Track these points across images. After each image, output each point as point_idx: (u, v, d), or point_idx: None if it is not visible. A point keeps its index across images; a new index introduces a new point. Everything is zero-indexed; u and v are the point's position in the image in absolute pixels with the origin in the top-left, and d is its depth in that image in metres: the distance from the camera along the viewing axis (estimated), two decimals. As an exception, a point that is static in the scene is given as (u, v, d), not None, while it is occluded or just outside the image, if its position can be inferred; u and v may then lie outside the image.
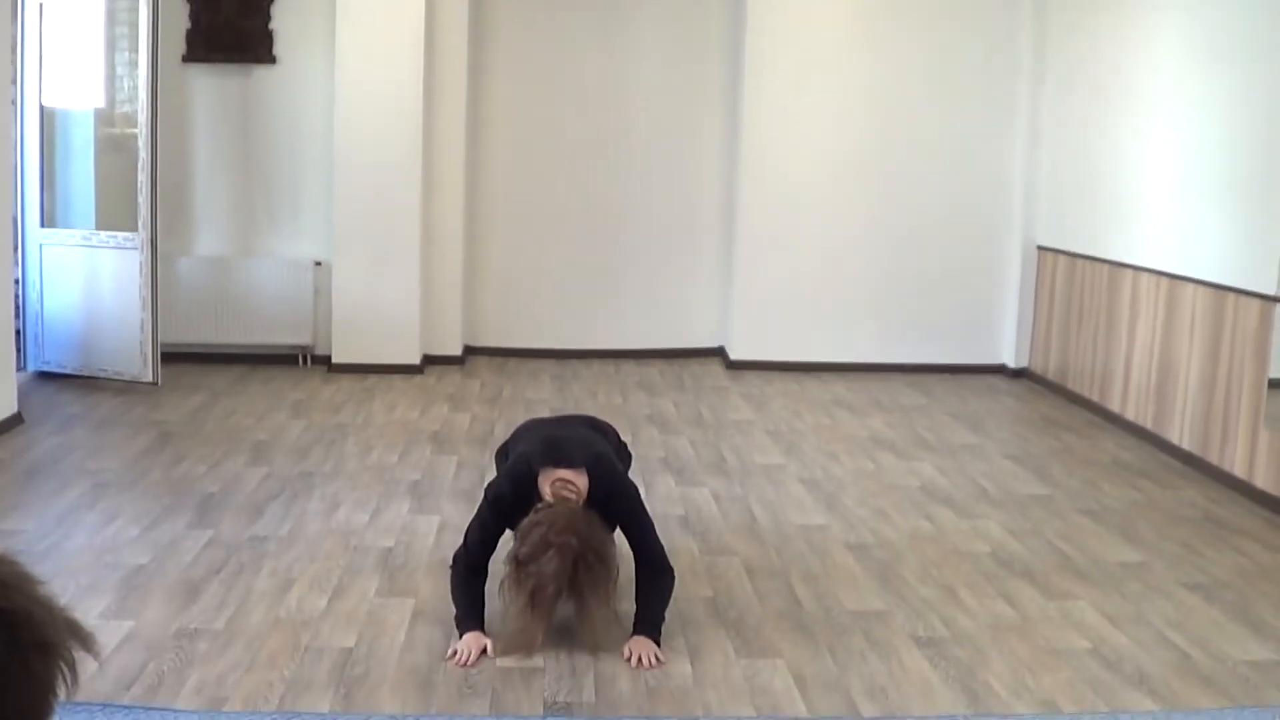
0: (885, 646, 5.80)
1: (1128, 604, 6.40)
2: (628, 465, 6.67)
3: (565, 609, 5.75)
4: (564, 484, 5.85)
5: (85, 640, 1.87)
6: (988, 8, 12.18)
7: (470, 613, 5.79)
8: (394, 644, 5.67)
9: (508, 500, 5.93)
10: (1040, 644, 5.87)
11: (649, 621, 5.78)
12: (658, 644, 5.68)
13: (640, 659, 5.56)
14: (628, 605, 5.87)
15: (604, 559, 5.65)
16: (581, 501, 5.84)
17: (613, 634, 5.73)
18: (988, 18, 12.19)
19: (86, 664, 1.86)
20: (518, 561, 5.62)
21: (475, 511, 6.17)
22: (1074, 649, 5.82)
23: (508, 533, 5.99)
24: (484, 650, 5.59)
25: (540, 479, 5.89)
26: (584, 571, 5.57)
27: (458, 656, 5.54)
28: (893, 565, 6.91)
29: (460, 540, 6.12)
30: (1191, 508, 8.18)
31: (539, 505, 5.79)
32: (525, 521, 5.73)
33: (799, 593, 6.46)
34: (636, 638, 5.69)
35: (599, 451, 6.12)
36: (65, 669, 1.83)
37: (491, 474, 8.18)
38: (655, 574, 5.96)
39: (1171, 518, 7.95)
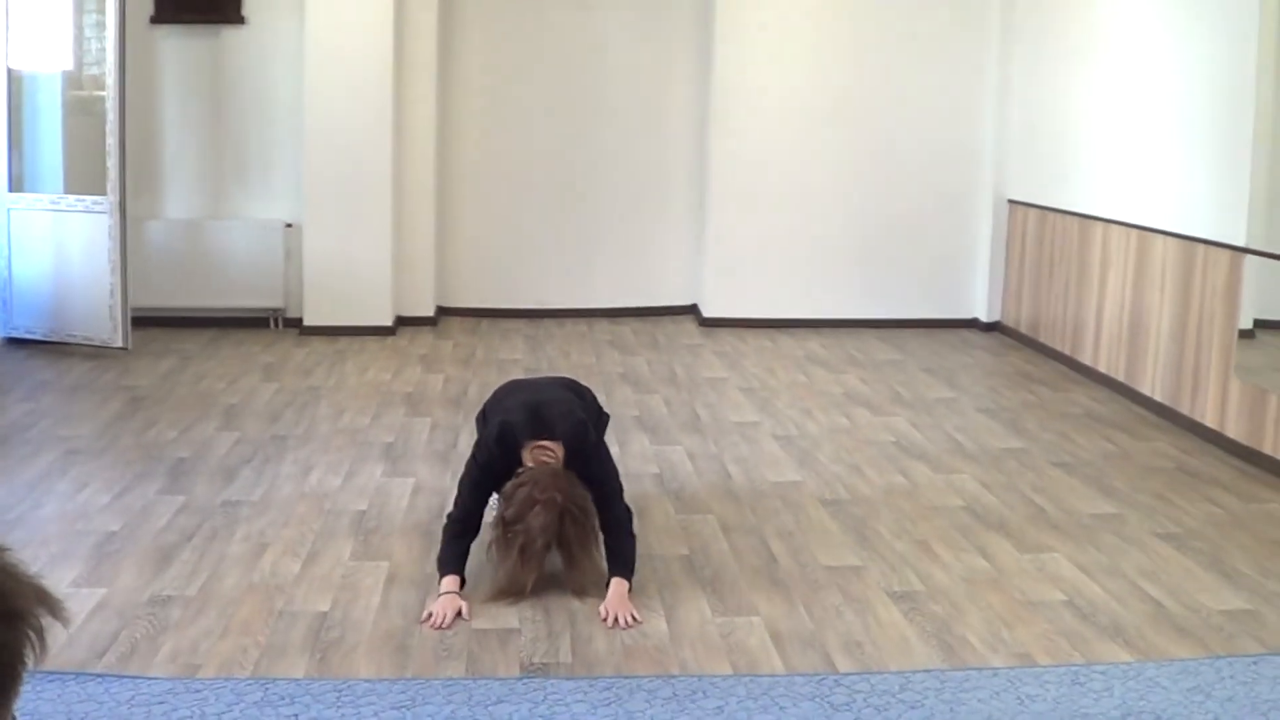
0: (861, 602, 5.81)
1: (1102, 555, 6.41)
2: (604, 427, 6.75)
3: (551, 563, 5.78)
4: (544, 450, 5.98)
5: (54, 607, 1.86)
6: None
7: (451, 563, 5.86)
8: (369, 608, 5.66)
9: (497, 463, 6.05)
10: (1015, 597, 5.88)
11: (621, 576, 5.86)
12: (629, 597, 5.76)
13: (616, 619, 5.58)
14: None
15: (586, 512, 5.86)
16: (560, 464, 5.96)
17: (597, 578, 5.84)
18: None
19: (56, 632, 1.85)
20: (505, 522, 5.78)
21: (464, 472, 6.26)
22: (1049, 601, 5.83)
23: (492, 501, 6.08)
24: (459, 613, 5.61)
25: (523, 450, 6.00)
26: (570, 524, 5.76)
27: (432, 619, 5.55)
28: (868, 521, 6.91)
29: (445, 505, 6.18)
30: (1164, 459, 8.20)
31: (520, 470, 5.93)
32: (509, 485, 5.89)
33: (774, 549, 6.47)
34: (612, 596, 5.74)
35: (578, 419, 6.18)
36: (34, 637, 1.82)
37: (466, 436, 8.21)
38: (621, 536, 6.04)
39: (1144, 469, 7.96)
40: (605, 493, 6.10)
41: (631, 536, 6.06)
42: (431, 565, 6.04)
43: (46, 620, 1.84)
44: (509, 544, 5.75)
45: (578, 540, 5.80)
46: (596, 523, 5.93)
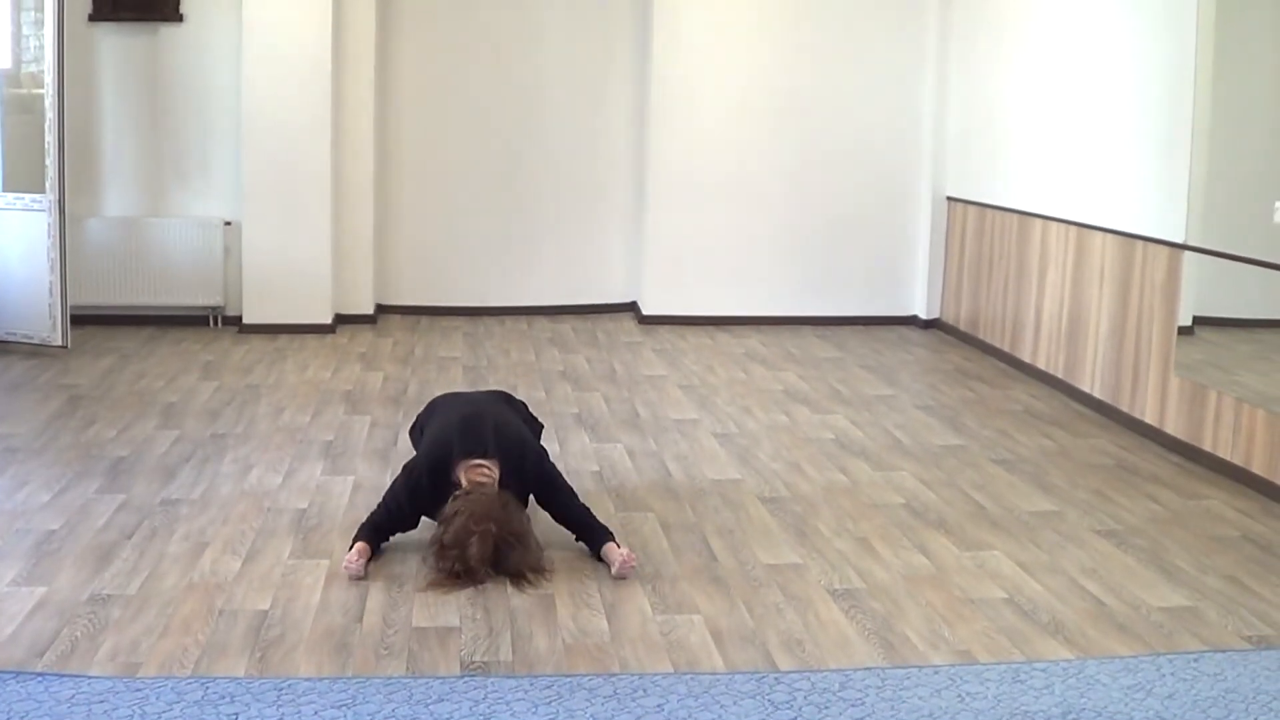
0: (801, 600, 5.82)
1: (1042, 553, 6.44)
2: (538, 436, 6.91)
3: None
4: (478, 469, 6.13)
5: None
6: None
7: (367, 536, 6.18)
8: (309, 606, 5.64)
9: (424, 489, 6.21)
10: (955, 594, 5.90)
11: (607, 541, 6.20)
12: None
13: (621, 561, 6.04)
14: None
15: (523, 538, 6.01)
16: (495, 484, 6.11)
17: (546, 587, 5.95)
18: (896, -31, 12.21)
19: None
20: (442, 545, 5.92)
21: (390, 487, 6.42)
22: (989, 599, 5.85)
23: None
24: (369, 556, 6.05)
25: (457, 468, 6.15)
26: (508, 551, 5.91)
27: (346, 562, 5.95)
28: (807, 518, 6.93)
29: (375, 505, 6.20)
30: (1103, 455, 8.24)
31: (456, 493, 6.07)
32: (446, 509, 6.04)
33: (714, 547, 6.47)
34: (613, 554, 6.11)
35: (514, 434, 6.40)
36: None
37: (405, 435, 8.19)
38: (590, 528, 6.30)
39: (1084, 466, 8.00)
40: (559, 501, 6.36)
41: (597, 523, 6.29)
42: (372, 564, 6.05)
43: None
44: (447, 565, 5.89)
45: (520, 562, 5.94)
46: (534, 544, 6.06)
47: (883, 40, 12.25)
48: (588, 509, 6.39)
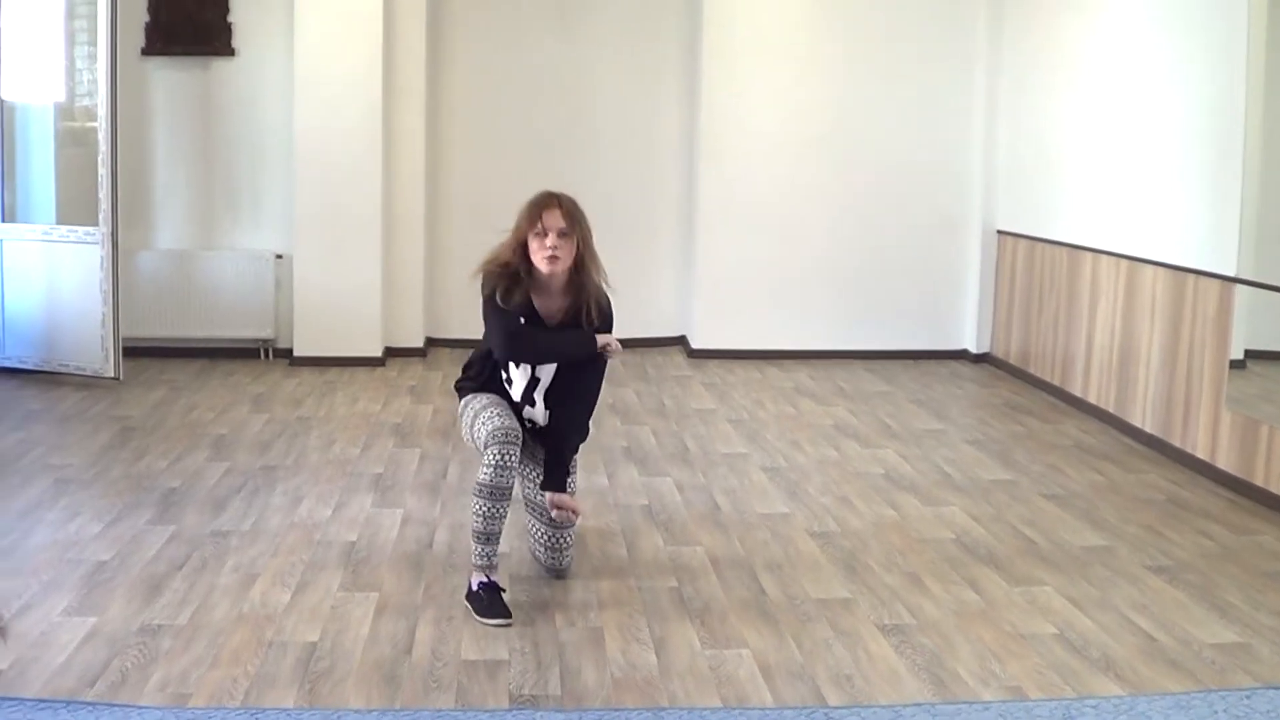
0: (850, 635, 5.80)
1: (1092, 588, 6.40)
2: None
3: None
4: (548, 235, 6.20)
5: None
6: (946, -7, 12.20)
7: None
8: (358, 638, 5.65)
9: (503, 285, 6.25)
10: (1006, 630, 5.87)
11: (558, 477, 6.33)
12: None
13: (558, 508, 6.17)
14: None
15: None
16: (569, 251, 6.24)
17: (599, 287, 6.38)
18: (944, 3, 12.18)
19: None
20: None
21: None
22: (1039, 634, 5.82)
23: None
24: None
25: (530, 241, 6.24)
26: (569, 201, 6.32)
27: None
28: (857, 553, 6.91)
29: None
30: (1155, 490, 8.19)
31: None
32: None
33: (763, 582, 6.46)
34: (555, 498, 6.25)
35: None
36: None
37: (455, 467, 8.24)
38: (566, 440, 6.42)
39: (1135, 501, 7.96)
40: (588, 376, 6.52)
41: (575, 441, 6.47)
42: (421, 597, 6.06)
43: None
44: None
45: (582, 222, 6.30)
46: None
47: (932, 74, 12.24)
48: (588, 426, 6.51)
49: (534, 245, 6.13)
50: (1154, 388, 9.17)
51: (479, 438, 6.12)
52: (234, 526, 7.13)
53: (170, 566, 6.47)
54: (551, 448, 6.33)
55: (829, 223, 12.35)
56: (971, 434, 9.62)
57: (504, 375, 6.37)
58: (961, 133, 12.31)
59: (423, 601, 6.06)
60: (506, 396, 6.35)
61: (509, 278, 6.18)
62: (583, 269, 6.24)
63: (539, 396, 6.34)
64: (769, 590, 6.34)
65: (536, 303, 6.24)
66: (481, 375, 6.43)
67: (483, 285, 6.26)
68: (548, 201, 6.22)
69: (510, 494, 6.00)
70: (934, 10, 12.19)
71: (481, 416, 6.14)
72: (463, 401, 6.44)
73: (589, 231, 6.27)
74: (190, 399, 10.23)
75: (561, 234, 6.12)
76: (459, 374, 6.64)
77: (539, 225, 6.13)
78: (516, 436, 6.00)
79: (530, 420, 6.40)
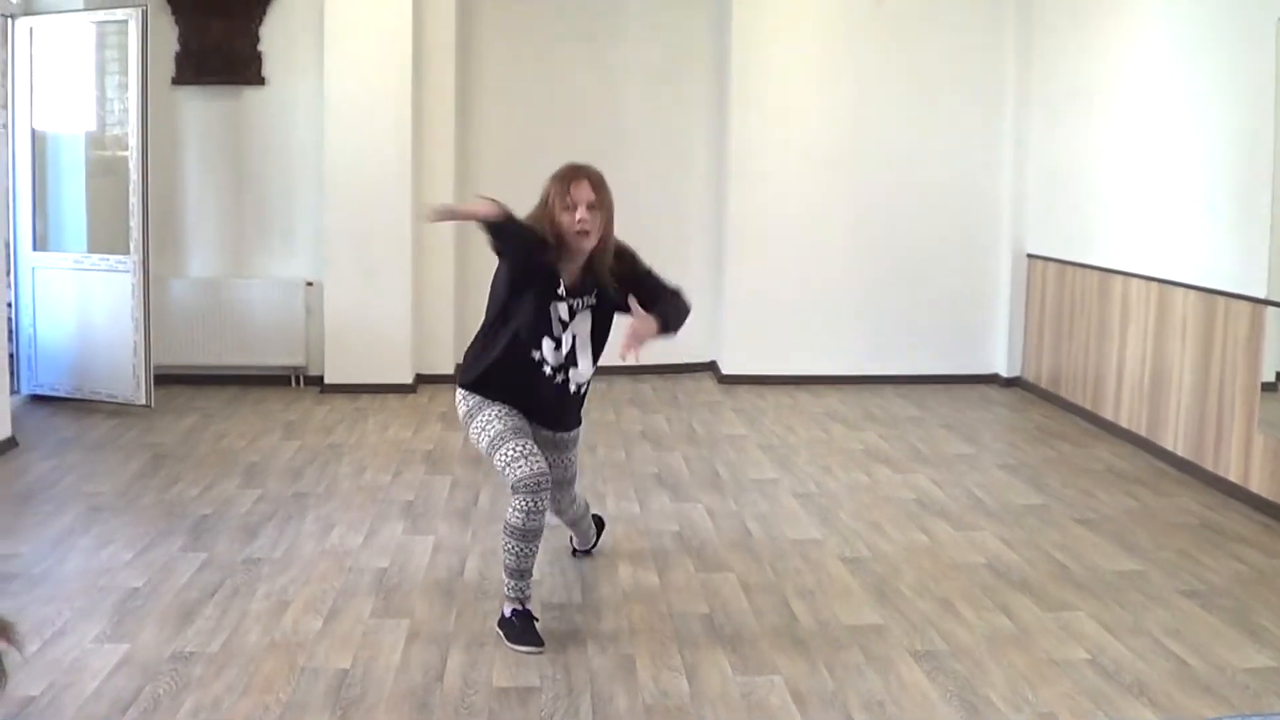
0: (882, 661, 5.79)
1: (1126, 613, 6.38)
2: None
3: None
4: (577, 206, 6.06)
5: (11, 636, 1.87)
6: (972, 16, 12.17)
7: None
8: (390, 665, 5.65)
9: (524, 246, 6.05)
10: (1039, 655, 5.85)
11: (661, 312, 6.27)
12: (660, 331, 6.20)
13: (634, 338, 5.98)
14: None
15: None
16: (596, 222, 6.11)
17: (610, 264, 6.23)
18: (972, 26, 12.18)
19: (12, 655, 1.86)
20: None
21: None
22: (1073, 660, 5.80)
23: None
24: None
25: (556, 212, 6.08)
26: (596, 174, 6.16)
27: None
28: (889, 579, 6.89)
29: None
30: (1187, 514, 8.17)
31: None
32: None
33: (795, 608, 6.45)
34: (645, 315, 6.14)
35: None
36: None
37: (486, 494, 8.26)
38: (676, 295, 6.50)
39: (1167, 525, 7.93)
40: (647, 273, 6.51)
41: (686, 311, 6.50)
42: (453, 623, 6.07)
43: (1, 646, 1.85)
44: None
45: (606, 192, 6.15)
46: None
47: (962, 99, 12.23)
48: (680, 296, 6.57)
49: (564, 220, 6.02)
50: (1186, 411, 9.14)
51: (502, 473, 6.04)
52: (266, 554, 7.15)
53: (202, 593, 6.49)
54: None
55: (858, 248, 12.35)
56: (1003, 458, 9.60)
57: (535, 352, 6.21)
58: (991, 156, 12.29)
59: (454, 628, 6.06)
60: (526, 376, 6.22)
61: (539, 246, 6.05)
62: (605, 242, 6.18)
63: (583, 355, 6.33)
64: (800, 616, 6.33)
65: (561, 274, 6.15)
66: (492, 349, 6.31)
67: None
68: (576, 174, 6.11)
69: (541, 534, 5.99)
70: (963, 35, 12.18)
71: (503, 450, 6.03)
72: (467, 405, 6.31)
73: (613, 205, 6.19)
74: (221, 426, 10.25)
75: (590, 206, 6.03)
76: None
77: (568, 199, 6.02)
78: (547, 481, 5.93)
79: (577, 382, 6.36)
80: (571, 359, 6.25)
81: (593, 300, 6.24)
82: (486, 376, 6.24)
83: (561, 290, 6.12)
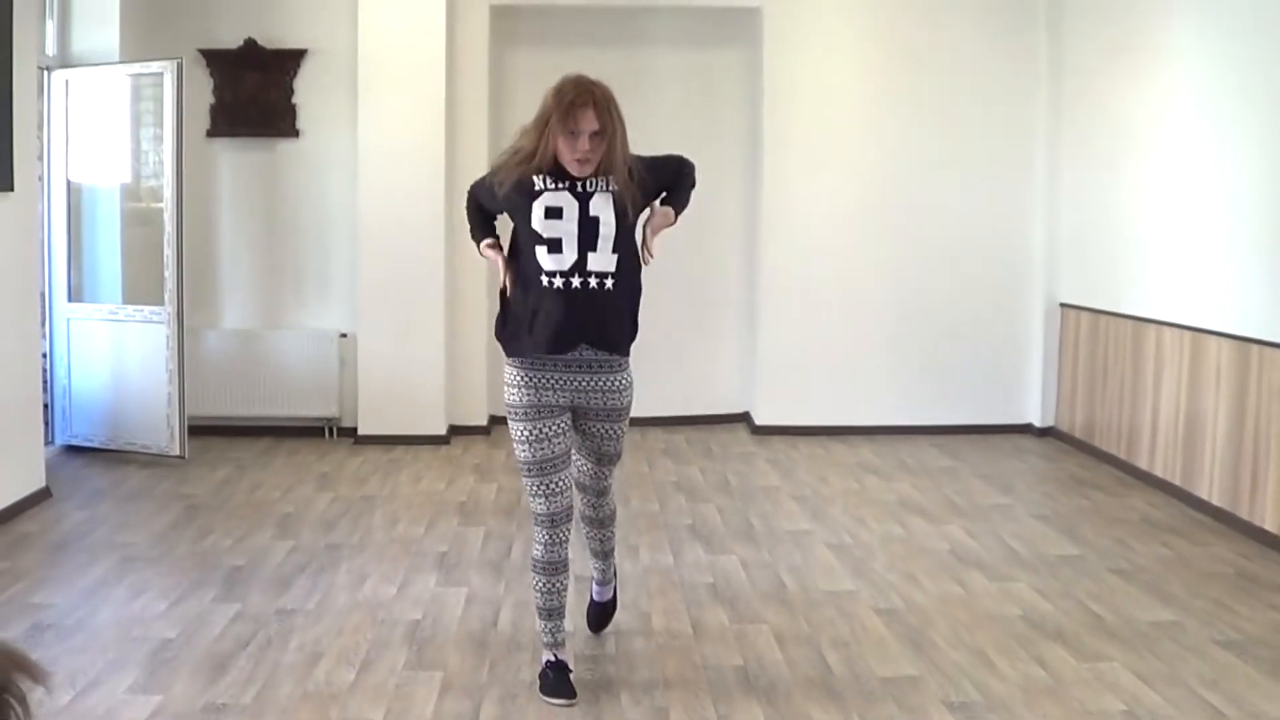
0: (917, 713, 5.76)
1: (1161, 664, 6.35)
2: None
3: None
4: (579, 131, 5.74)
5: (32, 671, 1.87)
6: (1003, 65, 12.18)
7: (483, 229, 6.21)
8: (422, 717, 5.64)
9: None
10: (1074, 706, 5.82)
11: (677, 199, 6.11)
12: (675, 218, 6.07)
13: (652, 229, 5.90)
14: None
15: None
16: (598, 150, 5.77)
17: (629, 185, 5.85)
18: (1004, 75, 12.19)
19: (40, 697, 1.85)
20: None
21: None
22: (1108, 711, 5.77)
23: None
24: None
25: (558, 140, 5.76)
26: (603, 96, 5.76)
27: (501, 276, 5.95)
28: (923, 630, 6.87)
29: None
30: (1223, 564, 8.13)
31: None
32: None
33: (829, 659, 6.43)
34: (660, 208, 5.97)
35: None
36: (15, 704, 1.83)
37: (519, 545, 8.26)
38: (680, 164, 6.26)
39: (1203, 574, 7.90)
40: (669, 166, 6.23)
41: (690, 171, 6.26)
42: (486, 676, 6.05)
43: (28, 685, 1.85)
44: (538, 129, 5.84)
45: (612, 108, 5.83)
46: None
47: (993, 148, 12.23)
48: (688, 172, 6.31)
49: (563, 145, 5.66)
50: (1220, 459, 9.11)
51: (528, 499, 5.94)
52: (299, 605, 7.15)
53: (235, 645, 6.49)
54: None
55: (891, 297, 12.35)
56: (1037, 508, 9.57)
57: (541, 278, 5.82)
58: (1023, 206, 12.29)
59: (487, 680, 6.06)
60: (540, 301, 5.84)
61: (525, 168, 5.81)
62: (612, 168, 5.76)
63: (604, 243, 5.77)
64: (835, 668, 6.31)
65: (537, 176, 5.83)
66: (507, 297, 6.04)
67: (487, 175, 6.11)
68: (581, 98, 5.68)
69: (567, 566, 5.95)
70: (993, 85, 12.19)
71: (529, 482, 5.90)
72: (507, 390, 6.12)
73: (623, 126, 5.79)
74: (255, 477, 10.27)
75: (594, 134, 5.65)
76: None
77: (570, 123, 5.64)
78: (568, 515, 5.86)
79: (597, 274, 5.79)
80: (587, 246, 5.75)
81: (601, 185, 5.80)
82: (506, 326, 6.07)
83: (538, 186, 5.79)
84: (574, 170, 5.67)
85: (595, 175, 5.74)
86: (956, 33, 12.18)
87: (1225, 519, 8.99)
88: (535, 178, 5.75)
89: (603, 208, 5.72)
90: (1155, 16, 10.15)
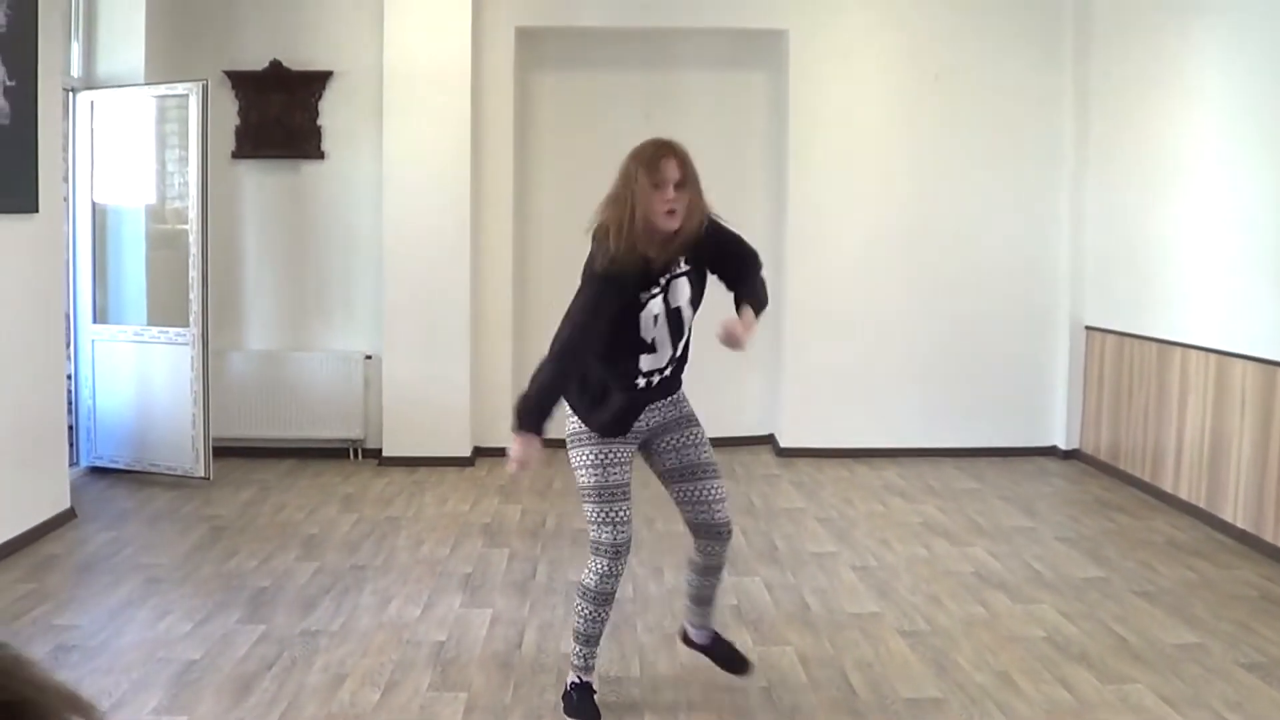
0: (941, 734, 5.76)
1: (1186, 686, 6.33)
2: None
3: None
4: (667, 185, 5.74)
5: (85, 711, 1.87)
6: (1029, 89, 12.18)
7: (537, 412, 5.68)
8: (447, 738, 5.66)
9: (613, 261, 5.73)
10: (1098, 729, 5.82)
11: (752, 305, 6.21)
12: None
13: (737, 328, 5.96)
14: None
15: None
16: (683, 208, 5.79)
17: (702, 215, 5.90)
18: (1030, 97, 12.19)
19: None
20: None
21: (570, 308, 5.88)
22: (1132, 734, 5.77)
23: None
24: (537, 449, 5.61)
25: (649, 197, 5.73)
26: (680, 148, 5.81)
27: (511, 461, 5.62)
28: (947, 652, 6.86)
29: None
30: (1247, 586, 8.11)
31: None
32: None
33: (853, 681, 6.42)
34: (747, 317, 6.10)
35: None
36: None
37: (544, 567, 8.23)
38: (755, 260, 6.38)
39: (1227, 597, 7.88)
40: (742, 252, 6.34)
41: (762, 282, 6.34)
42: (510, 697, 6.05)
43: None
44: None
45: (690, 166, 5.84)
46: None
47: (1018, 171, 12.23)
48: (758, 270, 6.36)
49: (652, 200, 5.68)
50: (1245, 482, 9.09)
51: (588, 526, 5.84)
52: (323, 626, 7.16)
53: (260, 666, 6.50)
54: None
55: (916, 320, 12.34)
56: (1062, 531, 9.55)
57: (638, 379, 5.95)
58: (1049, 229, 12.28)
59: (511, 701, 6.06)
60: (630, 398, 5.91)
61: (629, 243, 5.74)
62: (691, 218, 5.85)
63: (687, 333, 6.20)
64: (859, 690, 6.30)
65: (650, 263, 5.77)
66: (586, 391, 5.90)
67: (596, 258, 5.87)
68: (661, 151, 5.75)
69: (613, 600, 5.92)
70: (1019, 107, 12.19)
71: (593, 508, 5.78)
72: (572, 427, 5.96)
73: (699, 178, 5.89)
74: (280, 499, 10.29)
75: (678, 185, 5.71)
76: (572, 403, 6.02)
77: (656, 177, 5.67)
78: (629, 548, 5.79)
79: (677, 361, 6.16)
80: (676, 339, 6.08)
81: (685, 266, 5.97)
82: (590, 413, 5.92)
83: (656, 289, 5.88)
84: (662, 224, 5.70)
85: (670, 259, 5.87)
86: (982, 57, 12.18)
87: (1250, 542, 8.97)
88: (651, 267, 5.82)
89: (679, 295, 5.96)
90: (1182, 40, 10.14)
